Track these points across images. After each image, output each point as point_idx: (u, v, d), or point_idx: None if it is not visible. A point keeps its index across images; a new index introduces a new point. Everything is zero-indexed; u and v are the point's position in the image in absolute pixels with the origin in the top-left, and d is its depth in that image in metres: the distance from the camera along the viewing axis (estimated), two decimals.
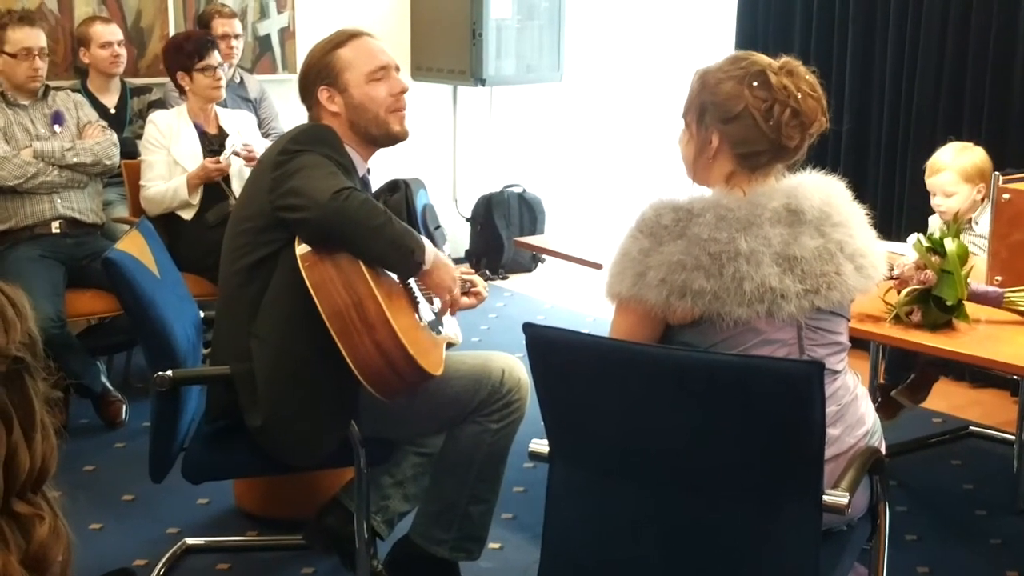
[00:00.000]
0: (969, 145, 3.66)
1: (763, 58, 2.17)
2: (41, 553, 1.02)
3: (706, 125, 2.16)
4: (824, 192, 2.14)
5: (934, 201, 3.62)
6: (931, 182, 3.62)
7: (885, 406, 3.74)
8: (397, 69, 2.72)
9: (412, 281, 2.66)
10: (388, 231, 2.44)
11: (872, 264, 2.15)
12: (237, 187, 4.23)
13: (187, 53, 4.26)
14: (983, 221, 3.48)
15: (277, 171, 2.50)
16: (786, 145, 2.14)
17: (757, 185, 2.14)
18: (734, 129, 2.13)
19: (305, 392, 2.54)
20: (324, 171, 2.47)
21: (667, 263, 2.05)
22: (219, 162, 4.13)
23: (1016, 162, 3.82)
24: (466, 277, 2.88)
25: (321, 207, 2.38)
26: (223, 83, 4.32)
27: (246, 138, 4.33)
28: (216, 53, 4.30)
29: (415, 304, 2.64)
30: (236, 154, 4.18)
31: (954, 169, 3.55)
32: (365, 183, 2.75)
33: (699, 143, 2.18)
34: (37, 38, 4.10)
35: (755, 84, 2.11)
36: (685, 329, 2.10)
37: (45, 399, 1.04)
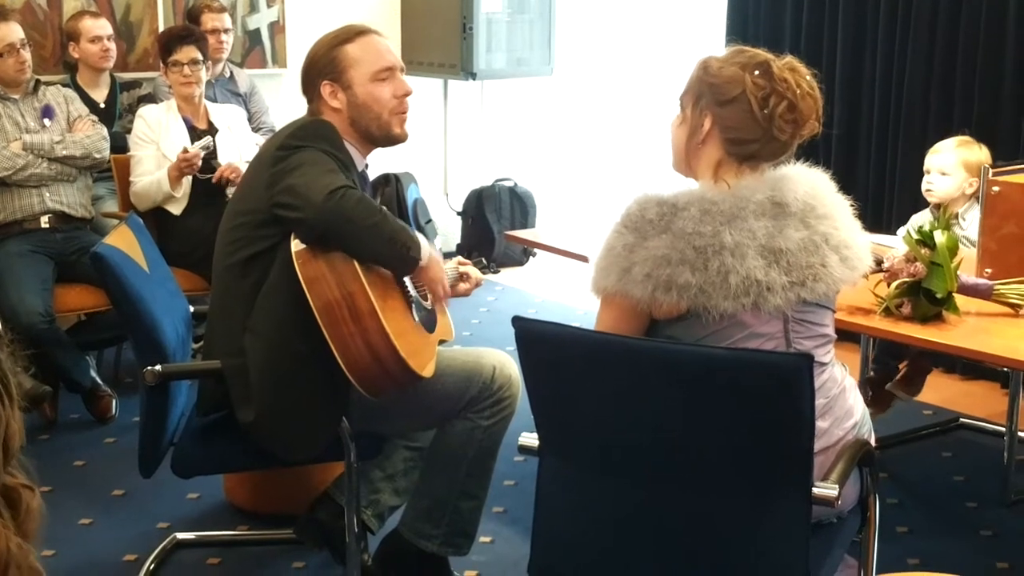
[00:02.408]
0: (976, 142, 3.70)
1: (767, 53, 2.19)
2: (27, 526, 1.01)
3: (701, 108, 2.17)
4: (809, 184, 2.14)
5: (927, 180, 3.66)
6: (930, 159, 3.67)
7: (877, 399, 3.75)
8: (402, 70, 2.71)
9: (407, 279, 2.65)
10: (384, 229, 2.43)
11: (857, 256, 2.16)
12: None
13: (162, 48, 4.26)
14: (970, 218, 3.49)
15: (275, 167, 2.48)
16: (776, 137, 2.14)
17: (743, 178, 2.14)
18: (728, 112, 2.14)
19: (299, 387, 2.53)
20: (321, 168, 2.45)
21: (652, 258, 2.05)
22: (187, 150, 4.11)
23: (1006, 157, 3.83)
24: (462, 270, 2.89)
25: (316, 207, 2.37)
26: (196, 79, 4.26)
27: (230, 139, 4.33)
28: (190, 48, 4.24)
29: (409, 304, 2.63)
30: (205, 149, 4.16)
31: (957, 153, 3.61)
32: (363, 178, 2.74)
33: (691, 126, 2.19)
34: (15, 32, 4.08)
35: (757, 72, 2.13)
36: (671, 324, 2.10)
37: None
